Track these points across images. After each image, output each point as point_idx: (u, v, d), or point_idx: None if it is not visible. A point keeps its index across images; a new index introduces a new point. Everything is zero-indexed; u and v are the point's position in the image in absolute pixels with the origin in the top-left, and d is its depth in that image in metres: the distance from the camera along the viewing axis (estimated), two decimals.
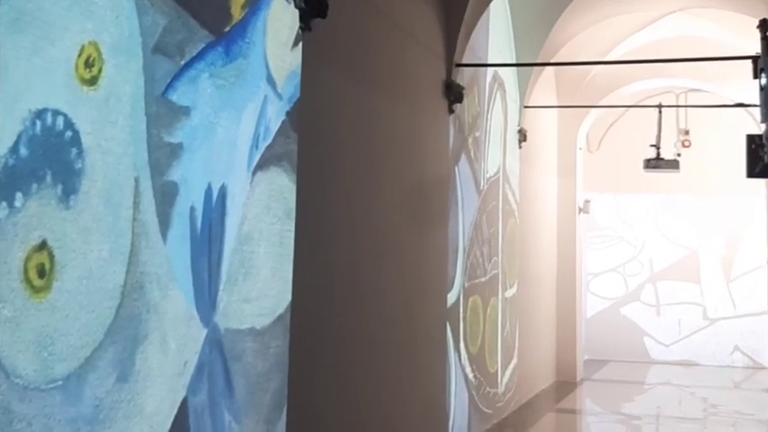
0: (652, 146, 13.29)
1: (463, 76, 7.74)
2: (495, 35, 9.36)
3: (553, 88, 12.62)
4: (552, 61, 10.54)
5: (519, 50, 10.07)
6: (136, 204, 3.00)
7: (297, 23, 3.92)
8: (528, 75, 10.48)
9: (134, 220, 2.99)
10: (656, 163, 13.41)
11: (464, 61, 7.50)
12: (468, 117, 8.12)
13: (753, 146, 9.36)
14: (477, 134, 8.57)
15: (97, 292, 2.82)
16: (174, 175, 3.18)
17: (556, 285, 12.65)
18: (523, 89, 10.55)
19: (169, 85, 3.13)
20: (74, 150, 2.72)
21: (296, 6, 4.00)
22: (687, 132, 15.25)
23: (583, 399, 11.88)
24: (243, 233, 3.60)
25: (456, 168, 7.68)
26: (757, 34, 6.58)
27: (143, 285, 3.04)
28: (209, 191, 3.36)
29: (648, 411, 11.04)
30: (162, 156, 3.11)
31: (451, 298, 7.42)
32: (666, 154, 13.57)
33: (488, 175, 9.07)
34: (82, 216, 2.75)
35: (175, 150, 3.18)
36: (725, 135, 14.43)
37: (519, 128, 10.45)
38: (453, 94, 7.23)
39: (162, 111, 3.10)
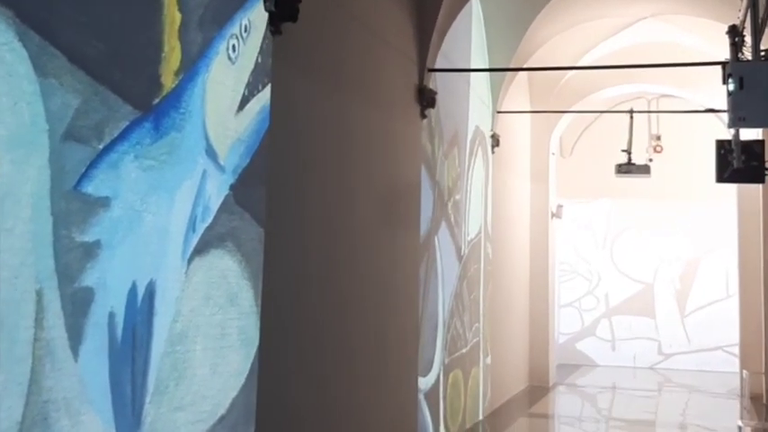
0: (623, 151, 13.01)
1: (443, 138, 7.42)
2: (476, 44, 8.92)
3: (526, 93, 12.27)
4: (525, 66, 10.26)
5: (492, 55, 9.79)
6: (38, 322, 2.50)
7: (242, 85, 3.39)
8: (501, 79, 10.30)
9: (35, 341, 2.49)
10: (627, 168, 13.20)
11: (439, 67, 7.29)
12: (448, 181, 7.78)
13: (722, 151, 9.26)
14: (458, 197, 8.17)
15: None
16: (89, 279, 2.67)
17: (529, 289, 12.32)
18: (496, 94, 10.34)
19: (83, 176, 2.62)
20: None
21: (266, 9, 3.80)
22: (659, 138, 14.95)
23: (556, 404, 11.61)
24: (175, 332, 3.10)
25: (435, 238, 7.28)
26: (727, 40, 6.59)
27: (47, 416, 2.54)
28: (133, 291, 2.86)
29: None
30: (73, 260, 2.60)
31: (429, 380, 7.00)
32: (638, 159, 13.30)
33: (469, 238, 8.67)
34: None
35: (90, 250, 2.67)
36: (696, 140, 14.19)
37: (492, 132, 10.13)
38: (426, 99, 7.07)
39: (73, 207, 2.59)
